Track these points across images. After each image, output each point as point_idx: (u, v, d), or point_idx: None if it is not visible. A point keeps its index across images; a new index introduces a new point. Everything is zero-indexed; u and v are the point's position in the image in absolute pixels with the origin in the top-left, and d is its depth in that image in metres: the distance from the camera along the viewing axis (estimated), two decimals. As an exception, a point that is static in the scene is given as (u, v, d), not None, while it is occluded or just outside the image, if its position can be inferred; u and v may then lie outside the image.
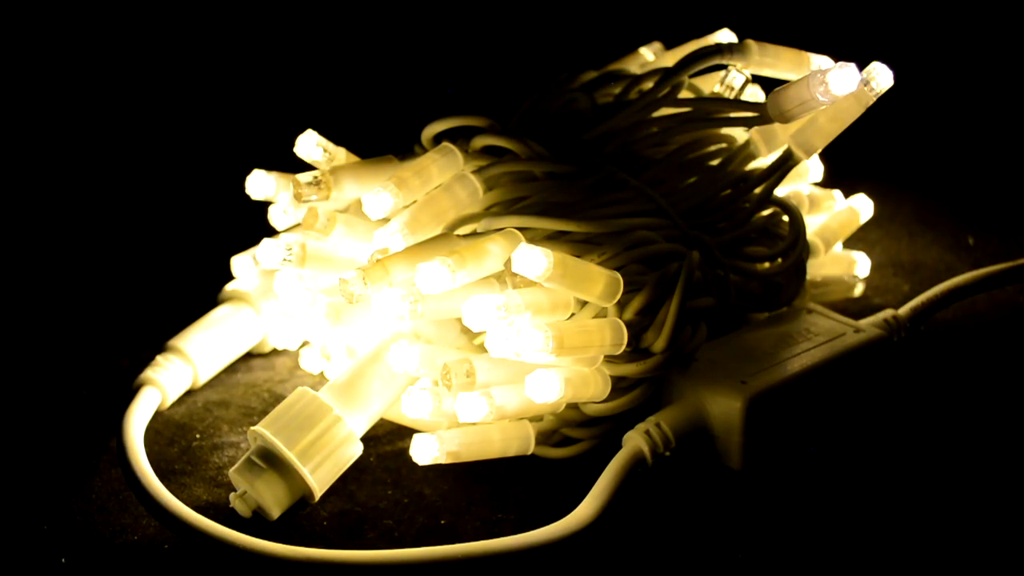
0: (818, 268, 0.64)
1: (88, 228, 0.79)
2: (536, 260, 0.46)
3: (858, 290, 0.66)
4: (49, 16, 0.95)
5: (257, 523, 0.48)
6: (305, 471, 0.48)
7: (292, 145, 0.56)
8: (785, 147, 0.57)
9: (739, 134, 0.59)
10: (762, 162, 0.59)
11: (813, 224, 0.63)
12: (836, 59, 0.54)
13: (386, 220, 0.52)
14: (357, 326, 0.55)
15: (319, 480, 0.49)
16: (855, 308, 0.64)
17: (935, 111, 0.94)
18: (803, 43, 0.59)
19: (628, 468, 0.49)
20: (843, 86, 0.52)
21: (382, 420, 0.54)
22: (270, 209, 0.58)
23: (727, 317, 0.56)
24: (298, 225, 0.57)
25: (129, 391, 0.55)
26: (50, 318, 0.67)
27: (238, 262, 0.61)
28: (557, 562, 0.46)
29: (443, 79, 0.98)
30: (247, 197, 0.58)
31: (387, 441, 0.55)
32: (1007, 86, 0.97)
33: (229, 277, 0.61)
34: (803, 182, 0.65)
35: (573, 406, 0.51)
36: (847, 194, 0.66)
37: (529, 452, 0.51)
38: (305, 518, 0.49)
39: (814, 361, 0.53)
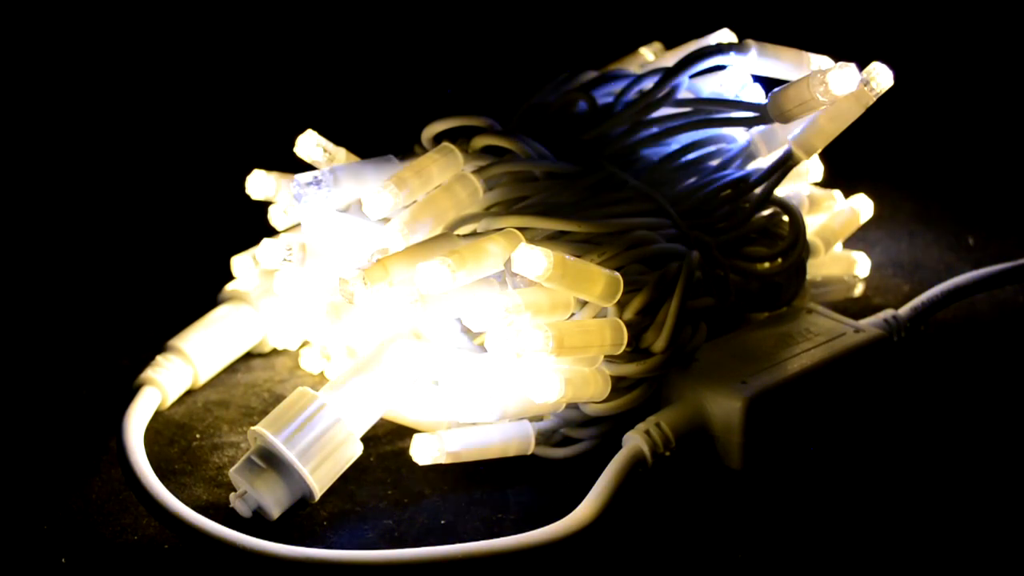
0: (818, 268, 0.64)
1: (88, 228, 0.79)
2: (536, 260, 0.46)
3: (858, 290, 0.66)
4: (49, 16, 0.95)
5: (257, 523, 0.48)
6: (305, 471, 0.48)
7: (292, 145, 0.56)
8: (785, 147, 0.57)
9: (739, 134, 0.59)
10: (762, 162, 0.59)
11: (813, 224, 0.63)
12: (836, 59, 0.54)
13: (386, 220, 0.52)
14: (357, 326, 0.55)
15: (319, 480, 0.49)
16: (855, 308, 0.64)
17: (935, 111, 0.94)
18: (803, 43, 0.59)
19: (628, 468, 0.49)
20: (843, 86, 0.52)
21: (382, 420, 0.54)
22: (270, 209, 0.58)
23: (727, 317, 0.56)
24: (298, 225, 0.57)
25: (129, 391, 0.55)
26: (50, 318, 0.67)
27: (238, 262, 0.61)
28: (557, 562, 0.46)
29: (443, 79, 0.98)
30: (247, 197, 0.58)
31: (387, 441, 0.55)
32: (1007, 86, 0.97)
33: (229, 277, 0.61)
34: (803, 182, 0.65)
35: (573, 406, 0.51)
36: (847, 194, 0.66)
37: (529, 452, 0.51)
38: (305, 518, 0.49)
39: (814, 361, 0.53)
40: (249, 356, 0.62)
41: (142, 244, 0.76)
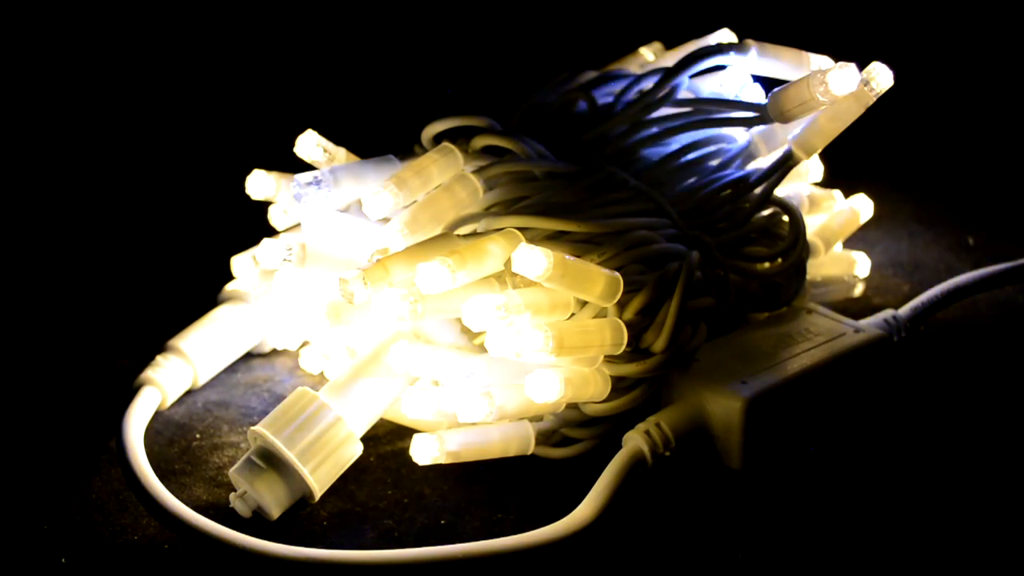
0: (818, 268, 0.64)
1: (88, 228, 0.79)
2: (536, 260, 0.46)
3: (858, 290, 0.66)
4: (49, 16, 0.95)
5: (257, 523, 0.48)
6: (305, 471, 0.48)
7: (292, 145, 0.56)
8: (785, 147, 0.57)
9: (739, 134, 0.59)
10: (762, 162, 0.59)
11: (813, 224, 0.63)
12: (836, 59, 0.54)
13: (386, 220, 0.52)
14: (357, 326, 0.55)
15: (319, 480, 0.49)
16: (855, 308, 0.64)
17: (935, 111, 0.94)
18: (803, 43, 0.59)
19: (628, 468, 0.49)
20: (843, 86, 0.52)
21: (382, 420, 0.54)
22: (270, 209, 0.58)
23: (727, 317, 0.56)
24: (298, 225, 0.57)
25: (129, 391, 0.55)
26: (50, 318, 0.67)
27: (238, 262, 0.61)
28: (557, 562, 0.46)
29: (443, 79, 0.98)
30: (247, 197, 0.58)
31: (387, 441, 0.55)
32: (1007, 86, 0.97)
33: (229, 277, 0.61)
34: (803, 182, 0.65)
35: (573, 406, 0.51)
36: (847, 194, 0.66)
37: (529, 452, 0.51)
38: (305, 518, 0.49)
39: (814, 361, 0.53)
40: (249, 356, 0.62)
41: (142, 244, 0.76)
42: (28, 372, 0.61)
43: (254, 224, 0.61)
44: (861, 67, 0.53)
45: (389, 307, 0.47)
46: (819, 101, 0.52)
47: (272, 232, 0.58)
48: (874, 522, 0.48)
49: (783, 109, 0.54)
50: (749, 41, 0.58)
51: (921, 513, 0.49)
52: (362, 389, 0.51)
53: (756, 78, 0.60)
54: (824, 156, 0.62)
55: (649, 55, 0.68)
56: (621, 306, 0.50)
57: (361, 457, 0.51)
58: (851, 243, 0.68)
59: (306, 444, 0.48)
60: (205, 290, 0.62)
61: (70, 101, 0.94)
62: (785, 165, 0.57)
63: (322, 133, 0.57)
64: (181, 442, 0.55)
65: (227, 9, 0.99)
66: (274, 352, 0.63)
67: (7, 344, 0.64)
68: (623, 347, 0.49)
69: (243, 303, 0.60)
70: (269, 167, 0.58)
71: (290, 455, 0.48)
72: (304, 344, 0.61)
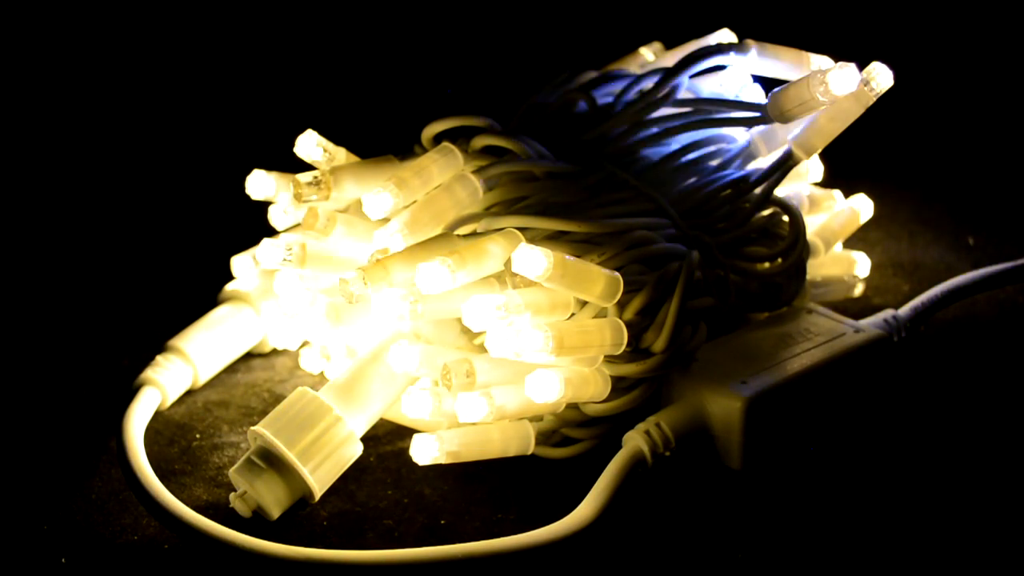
0: (818, 268, 0.64)
1: (88, 228, 0.79)
2: (536, 260, 0.46)
3: (858, 290, 0.66)
4: (49, 16, 0.95)
5: (257, 523, 0.48)
6: (305, 471, 0.48)
7: (292, 145, 0.56)
8: (785, 147, 0.57)
9: (739, 134, 0.59)
10: (762, 162, 0.59)
11: (813, 224, 0.63)
12: (836, 59, 0.54)
13: (386, 220, 0.52)
14: (357, 326, 0.55)
15: (319, 480, 0.49)
16: (855, 308, 0.64)
17: (935, 111, 0.94)
18: (803, 43, 0.59)
19: (628, 468, 0.49)
20: (843, 86, 0.52)
21: (382, 420, 0.54)
22: (270, 209, 0.58)
23: (727, 317, 0.56)
24: (298, 225, 0.57)
25: (129, 391, 0.55)
26: (50, 318, 0.67)
27: (238, 262, 0.61)
28: (557, 562, 0.46)
29: (443, 79, 0.98)
30: (247, 197, 0.58)
31: (387, 441, 0.55)
32: (1007, 86, 0.97)
33: (229, 277, 0.61)
34: (803, 182, 0.65)
35: (573, 406, 0.51)
36: (847, 194, 0.66)
37: (529, 452, 0.51)
38: (305, 518, 0.49)
39: (814, 361, 0.53)
40: (249, 356, 0.62)
41: (142, 244, 0.76)
42: (28, 372, 0.61)
43: (254, 224, 0.61)
44: (861, 67, 0.53)
45: (389, 307, 0.47)
46: (819, 101, 0.52)
47: (272, 232, 0.58)
48: (874, 522, 0.48)
49: (783, 109, 0.54)
50: (749, 41, 0.58)
51: (921, 513, 0.49)
52: (362, 389, 0.51)
53: (756, 78, 0.60)
54: (824, 156, 0.62)
55: (649, 55, 0.68)
56: (621, 306, 0.50)
57: (361, 457, 0.51)
58: (851, 243, 0.68)
59: (306, 444, 0.48)
60: (205, 290, 0.62)
61: (70, 101, 0.94)
62: (785, 165, 0.57)
63: (322, 133, 0.57)
64: (181, 442, 0.55)
65: (227, 9, 0.99)
66: (274, 352, 0.63)
67: (7, 344, 0.64)
68: (623, 347, 0.49)
69: (243, 303, 0.60)
70: (269, 167, 0.58)
71: (290, 455, 0.48)
72: (304, 344, 0.61)
